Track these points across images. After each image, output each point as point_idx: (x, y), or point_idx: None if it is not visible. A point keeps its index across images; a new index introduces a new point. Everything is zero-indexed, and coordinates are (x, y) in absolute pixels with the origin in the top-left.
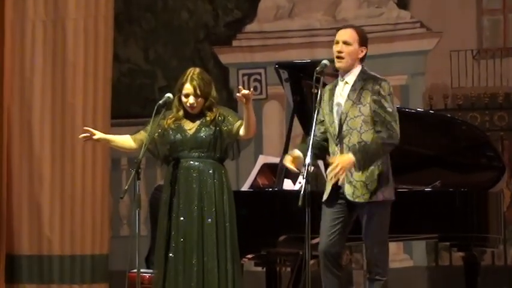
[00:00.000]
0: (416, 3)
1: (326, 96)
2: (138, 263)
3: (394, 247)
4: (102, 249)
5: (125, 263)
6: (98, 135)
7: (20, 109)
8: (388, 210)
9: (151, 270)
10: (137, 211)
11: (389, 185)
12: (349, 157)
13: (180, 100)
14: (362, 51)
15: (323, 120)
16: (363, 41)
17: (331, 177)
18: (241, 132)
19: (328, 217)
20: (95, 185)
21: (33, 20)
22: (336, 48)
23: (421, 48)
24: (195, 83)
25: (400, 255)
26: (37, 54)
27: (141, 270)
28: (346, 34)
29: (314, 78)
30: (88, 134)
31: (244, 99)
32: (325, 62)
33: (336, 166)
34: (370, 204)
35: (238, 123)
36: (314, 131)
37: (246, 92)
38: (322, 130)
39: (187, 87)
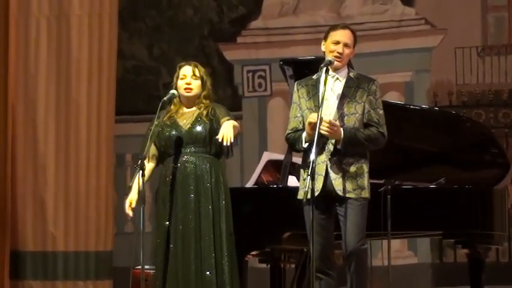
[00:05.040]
0: (421, 0)
1: (304, 91)
2: (142, 259)
3: (398, 244)
4: (107, 246)
5: (129, 259)
6: (131, 197)
7: (25, 106)
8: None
9: (154, 267)
10: (141, 208)
11: (369, 181)
12: (340, 131)
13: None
14: (353, 52)
15: (298, 116)
16: (355, 42)
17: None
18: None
19: (317, 218)
20: (99, 181)
21: (37, 16)
22: (336, 48)
23: (426, 45)
24: (193, 65)
25: (404, 252)
26: (41, 50)
27: (146, 266)
28: (347, 36)
29: (324, 70)
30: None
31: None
32: (329, 58)
33: (328, 127)
34: (357, 199)
35: (224, 119)
36: (319, 127)
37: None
38: (300, 127)
39: (186, 68)
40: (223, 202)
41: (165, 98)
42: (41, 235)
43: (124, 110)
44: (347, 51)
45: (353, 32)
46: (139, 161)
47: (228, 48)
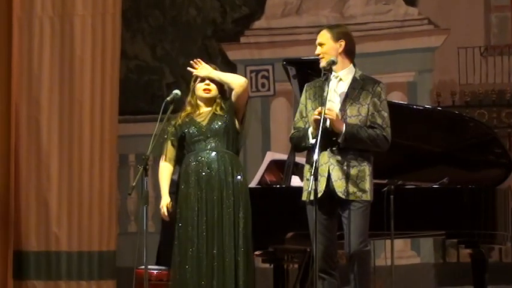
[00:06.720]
0: (424, 0)
1: (312, 92)
2: (145, 259)
3: (401, 244)
4: (110, 246)
5: (133, 259)
6: (165, 201)
7: (28, 105)
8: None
9: (157, 267)
10: (145, 207)
11: (372, 184)
12: (342, 124)
13: (193, 92)
14: (341, 45)
15: (304, 117)
16: (337, 36)
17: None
18: (233, 91)
19: (321, 218)
20: (103, 181)
21: (40, 16)
22: (316, 51)
23: (429, 45)
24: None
25: (407, 252)
26: (45, 50)
27: (149, 266)
28: (320, 37)
29: (322, 73)
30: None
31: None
32: (332, 58)
33: (332, 113)
34: (359, 201)
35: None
36: (321, 127)
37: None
38: (306, 128)
39: None
40: (244, 199)
41: (168, 99)
42: (44, 235)
43: (127, 110)
44: (323, 49)
45: (328, 28)
46: (144, 161)
47: (231, 48)
